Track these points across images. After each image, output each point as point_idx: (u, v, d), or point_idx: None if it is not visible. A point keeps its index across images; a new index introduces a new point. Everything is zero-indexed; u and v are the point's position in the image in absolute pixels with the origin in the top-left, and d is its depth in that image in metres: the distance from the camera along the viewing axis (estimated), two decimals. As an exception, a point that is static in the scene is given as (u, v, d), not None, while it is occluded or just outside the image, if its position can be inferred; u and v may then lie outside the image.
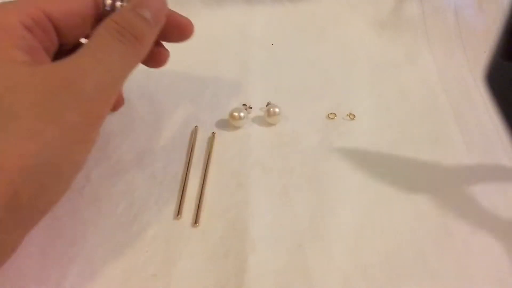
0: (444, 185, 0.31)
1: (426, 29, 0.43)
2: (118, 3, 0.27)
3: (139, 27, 0.25)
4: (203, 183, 0.31)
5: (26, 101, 0.21)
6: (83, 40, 0.28)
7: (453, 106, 0.37)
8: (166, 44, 0.31)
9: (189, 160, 0.32)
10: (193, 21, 0.30)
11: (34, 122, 0.21)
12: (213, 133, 0.34)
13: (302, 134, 0.35)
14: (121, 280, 0.26)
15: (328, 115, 0.36)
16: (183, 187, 0.31)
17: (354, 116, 0.36)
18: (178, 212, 0.29)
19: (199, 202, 0.30)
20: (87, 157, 0.25)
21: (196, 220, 0.29)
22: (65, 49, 0.27)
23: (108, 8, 0.26)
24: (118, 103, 0.34)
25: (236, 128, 0.35)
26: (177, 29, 0.29)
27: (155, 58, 0.30)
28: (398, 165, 0.33)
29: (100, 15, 0.26)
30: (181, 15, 0.29)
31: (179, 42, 0.30)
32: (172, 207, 0.30)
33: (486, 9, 0.43)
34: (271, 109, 0.35)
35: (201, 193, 0.30)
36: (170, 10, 0.28)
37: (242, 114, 0.34)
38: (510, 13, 0.14)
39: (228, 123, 0.35)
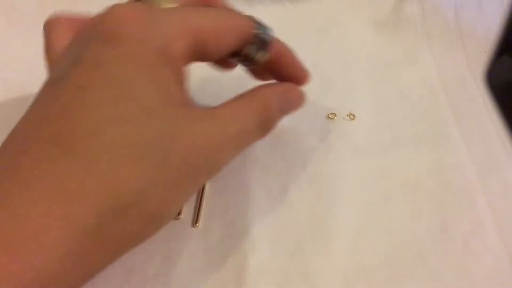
0: (444, 185, 0.31)
1: (426, 29, 0.43)
2: (267, 37, 0.26)
3: (277, 120, 0.26)
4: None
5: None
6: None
7: (453, 106, 0.37)
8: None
9: (189, 160, 0.32)
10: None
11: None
12: (213, 133, 0.34)
13: (302, 134, 0.35)
14: (121, 280, 0.26)
15: (328, 115, 0.36)
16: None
17: (354, 116, 0.36)
18: (178, 212, 0.29)
19: (199, 202, 0.30)
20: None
21: (196, 220, 0.29)
22: None
23: (255, 41, 0.26)
24: None
25: (236, 128, 0.35)
26: (291, 78, 0.29)
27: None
28: (398, 165, 0.33)
29: (241, 46, 0.25)
30: (301, 67, 0.29)
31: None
32: (172, 207, 0.30)
33: (486, 9, 0.43)
34: (271, 109, 0.35)
35: (201, 193, 0.30)
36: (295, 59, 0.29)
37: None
38: (510, 13, 0.14)
39: (228, 123, 0.35)
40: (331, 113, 0.36)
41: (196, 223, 0.29)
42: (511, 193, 0.30)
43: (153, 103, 0.20)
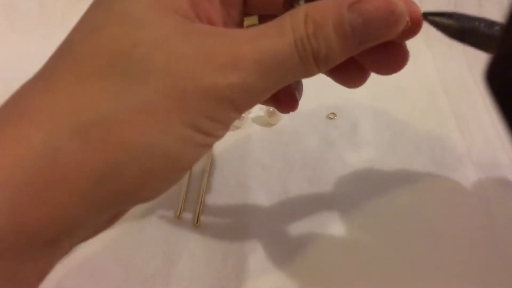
0: (444, 185, 0.31)
1: (426, 29, 0.43)
2: None
3: (333, 46, 0.17)
4: (203, 183, 0.31)
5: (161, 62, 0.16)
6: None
7: (453, 106, 0.37)
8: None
9: (189, 160, 0.32)
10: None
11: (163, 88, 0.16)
12: (213, 133, 0.34)
13: (302, 134, 0.35)
14: (120, 280, 0.26)
15: (328, 115, 0.36)
16: (184, 187, 0.31)
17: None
18: (179, 212, 0.29)
19: (200, 202, 0.30)
20: (200, 157, 0.19)
21: (196, 220, 0.29)
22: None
23: None
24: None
25: (236, 128, 0.35)
26: (388, 58, 0.20)
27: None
28: (398, 165, 0.33)
29: None
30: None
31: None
32: (173, 207, 0.30)
33: (486, 9, 0.43)
34: (271, 109, 0.35)
35: (201, 193, 0.30)
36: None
37: (242, 114, 0.34)
38: (510, 13, 0.14)
39: (228, 123, 0.35)
40: (331, 113, 0.36)
41: (196, 223, 0.29)
42: (510, 193, 0.30)
43: (132, 7, 0.17)
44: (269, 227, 0.29)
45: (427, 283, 0.26)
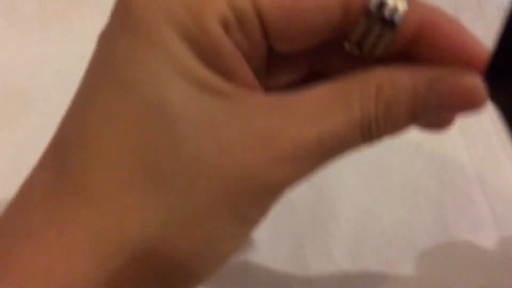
0: (444, 185, 0.31)
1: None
2: (390, 7, 0.15)
3: (400, 125, 0.16)
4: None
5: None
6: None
7: (453, 106, 0.37)
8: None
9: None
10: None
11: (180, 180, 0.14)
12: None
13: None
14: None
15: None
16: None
17: None
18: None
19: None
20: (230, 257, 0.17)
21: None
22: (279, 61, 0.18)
23: (369, 13, 0.15)
24: None
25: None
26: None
27: None
28: (398, 165, 0.33)
29: (348, 23, 0.15)
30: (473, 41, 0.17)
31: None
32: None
33: (486, 9, 0.43)
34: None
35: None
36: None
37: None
38: (510, 13, 0.14)
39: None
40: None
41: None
42: (511, 193, 0.30)
43: (163, 93, 0.14)
44: (269, 227, 0.29)
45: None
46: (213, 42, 0.14)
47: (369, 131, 0.15)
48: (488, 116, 0.35)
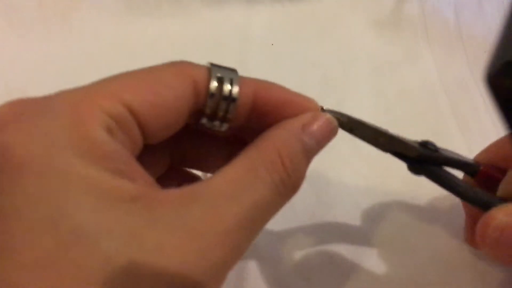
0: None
1: (426, 29, 0.43)
2: (227, 87, 0.19)
3: (303, 170, 0.19)
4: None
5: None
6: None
7: (453, 106, 0.37)
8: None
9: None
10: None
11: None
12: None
13: (302, 134, 0.35)
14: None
15: (328, 115, 0.36)
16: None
17: None
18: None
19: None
20: None
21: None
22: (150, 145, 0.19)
23: (212, 94, 0.19)
24: None
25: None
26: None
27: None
28: (398, 165, 0.33)
29: (200, 104, 0.19)
30: (301, 97, 0.21)
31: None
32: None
33: (486, 9, 0.43)
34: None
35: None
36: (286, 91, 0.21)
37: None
38: (510, 13, 0.14)
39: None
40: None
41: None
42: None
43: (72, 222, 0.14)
44: (269, 227, 0.29)
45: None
46: (103, 148, 0.15)
47: (285, 187, 0.18)
48: (488, 116, 0.35)
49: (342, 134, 0.34)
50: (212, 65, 0.19)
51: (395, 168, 0.32)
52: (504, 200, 0.22)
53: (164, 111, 0.17)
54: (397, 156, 0.24)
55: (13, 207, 0.14)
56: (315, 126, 0.19)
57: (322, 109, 0.21)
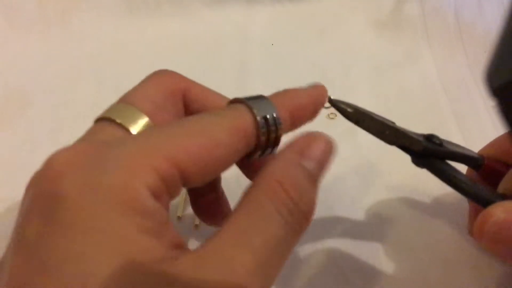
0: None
1: (426, 29, 0.43)
2: (273, 128, 0.19)
3: (312, 196, 0.18)
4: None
5: None
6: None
7: (453, 106, 0.37)
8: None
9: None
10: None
11: None
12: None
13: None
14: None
15: (328, 115, 0.36)
16: (184, 195, 0.31)
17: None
18: (179, 212, 0.29)
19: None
20: None
21: (197, 221, 0.29)
22: None
23: (263, 132, 0.19)
24: None
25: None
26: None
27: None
28: (398, 165, 0.33)
29: (249, 149, 0.19)
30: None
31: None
32: (173, 208, 0.30)
33: (486, 9, 0.43)
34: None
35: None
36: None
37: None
38: (510, 13, 0.14)
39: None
40: (331, 113, 0.36)
41: (196, 223, 0.29)
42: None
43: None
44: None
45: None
46: (147, 210, 0.16)
47: (295, 218, 0.17)
48: (488, 116, 0.35)
49: (342, 134, 0.35)
50: (248, 100, 0.19)
51: (395, 168, 0.32)
52: (505, 197, 0.22)
53: (213, 168, 0.18)
54: (402, 149, 0.24)
55: (52, 261, 0.15)
56: (312, 149, 0.19)
57: (330, 99, 0.22)
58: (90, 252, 0.15)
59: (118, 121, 0.19)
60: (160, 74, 0.22)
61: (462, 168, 0.25)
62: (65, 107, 0.36)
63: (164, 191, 0.16)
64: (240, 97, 0.20)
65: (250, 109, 0.19)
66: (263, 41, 0.43)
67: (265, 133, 0.19)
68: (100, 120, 0.19)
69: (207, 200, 0.24)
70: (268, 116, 0.19)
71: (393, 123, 0.24)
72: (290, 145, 0.19)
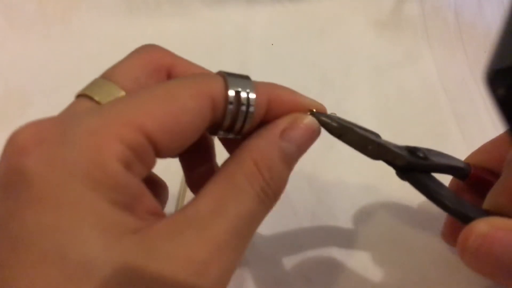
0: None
1: (426, 29, 0.43)
2: (244, 103, 0.18)
3: (284, 176, 0.19)
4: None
5: None
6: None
7: (453, 106, 0.37)
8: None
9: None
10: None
11: None
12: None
13: (302, 134, 0.35)
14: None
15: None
16: (183, 188, 0.31)
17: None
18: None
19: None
20: None
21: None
22: None
23: (231, 106, 0.18)
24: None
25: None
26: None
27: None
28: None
29: (217, 118, 0.19)
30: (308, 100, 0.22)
31: None
32: (172, 208, 0.30)
33: (486, 9, 0.43)
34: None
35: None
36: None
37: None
38: (510, 13, 0.14)
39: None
40: (331, 113, 0.36)
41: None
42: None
43: (85, 256, 0.14)
44: (269, 228, 0.29)
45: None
46: (116, 182, 0.16)
47: (266, 196, 0.18)
48: (488, 116, 0.35)
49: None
50: (227, 75, 0.19)
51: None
52: (490, 213, 0.21)
53: (182, 134, 0.18)
54: (386, 163, 0.23)
55: (24, 236, 0.14)
56: (293, 131, 0.19)
57: (312, 112, 0.21)
58: (64, 225, 0.14)
59: (96, 98, 0.19)
60: (145, 50, 0.21)
61: (449, 178, 0.24)
62: (65, 107, 0.36)
63: (135, 161, 0.16)
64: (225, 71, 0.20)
65: (225, 79, 0.18)
66: (263, 41, 0.43)
67: (235, 108, 0.18)
68: (80, 96, 0.19)
69: (200, 173, 0.24)
70: (241, 92, 0.18)
71: (378, 136, 0.23)
72: (274, 123, 0.19)
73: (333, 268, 0.27)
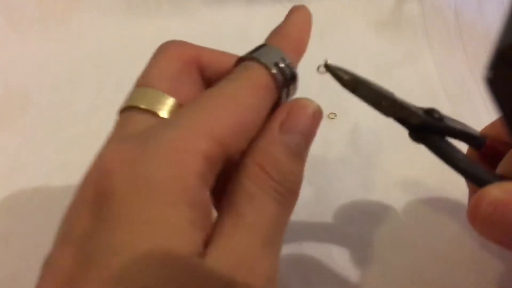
0: (444, 185, 0.31)
1: (426, 29, 0.43)
2: (282, 63, 0.19)
3: (296, 170, 0.19)
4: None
5: None
6: None
7: (453, 106, 0.37)
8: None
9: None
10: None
11: None
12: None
13: (302, 134, 0.35)
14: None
15: (328, 115, 0.36)
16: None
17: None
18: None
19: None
20: None
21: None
22: None
23: (280, 79, 0.19)
24: None
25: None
26: None
27: None
28: (398, 165, 0.33)
29: (275, 97, 0.19)
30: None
31: None
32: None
33: (486, 9, 0.43)
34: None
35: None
36: None
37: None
38: (510, 13, 0.14)
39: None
40: (331, 113, 0.36)
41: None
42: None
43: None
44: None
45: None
46: (195, 201, 0.16)
47: (282, 195, 0.17)
48: (488, 116, 0.35)
49: (342, 134, 0.35)
50: (254, 55, 0.19)
51: (395, 167, 0.32)
52: (504, 178, 0.21)
53: (250, 132, 0.18)
54: (399, 122, 0.22)
55: (96, 257, 0.15)
56: (292, 119, 0.18)
57: (326, 64, 0.22)
58: (136, 243, 0.15)
59: (144, 107, 0.18)
60: (168, 47, 0.21)
61: (463, 147, 0.23)
62: (65, 107, 0.36)
63: (208, 173, 0.16)
64: (244, 54, 0.20)
65: (263, 64, 0.19)
66: (263, 41, 0.43)
67: (282, 80, 0.19)
68: (125, 110, 0.19)
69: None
70: (280, 64, 0.19)
71: (393, 93, 0.22)
72: (272, 118, 0.19)
73: (333, 268, 0.27)
